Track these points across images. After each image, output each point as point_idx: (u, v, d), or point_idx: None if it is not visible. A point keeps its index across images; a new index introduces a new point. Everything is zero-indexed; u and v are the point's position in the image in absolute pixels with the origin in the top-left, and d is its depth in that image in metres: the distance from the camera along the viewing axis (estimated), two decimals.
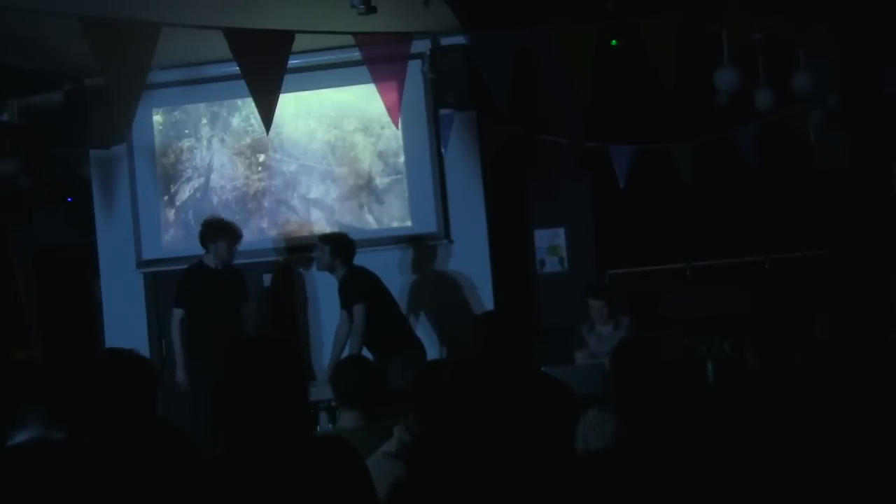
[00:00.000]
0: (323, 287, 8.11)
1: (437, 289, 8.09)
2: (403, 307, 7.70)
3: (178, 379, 7.25)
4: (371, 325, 7.04)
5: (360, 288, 7.15)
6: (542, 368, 5.82)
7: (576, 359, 7.19)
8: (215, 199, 8.39)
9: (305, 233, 8.25)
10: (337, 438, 2.86)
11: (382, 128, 8.09)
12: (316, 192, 8.29)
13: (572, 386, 4.02)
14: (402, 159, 8.16)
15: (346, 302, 7.17)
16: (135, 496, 2.60)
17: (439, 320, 8.04)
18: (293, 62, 6.34)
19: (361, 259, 7.47)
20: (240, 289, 7.50)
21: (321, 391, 6.44)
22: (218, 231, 7.32)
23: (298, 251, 8.23)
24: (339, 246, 7.22)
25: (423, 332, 7.75)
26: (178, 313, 7.34)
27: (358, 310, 7.05)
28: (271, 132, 6.47)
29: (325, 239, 7.34)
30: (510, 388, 2.20)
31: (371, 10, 5.96)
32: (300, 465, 2.61)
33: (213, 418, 6.67)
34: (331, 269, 7.28)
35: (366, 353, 6.88)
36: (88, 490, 2.54)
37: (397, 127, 7.52)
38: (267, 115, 6.02)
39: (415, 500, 2.28)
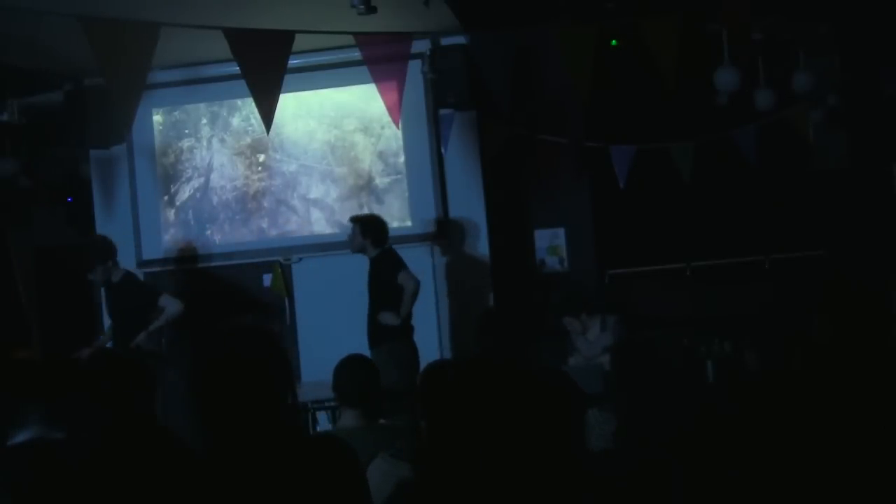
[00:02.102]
0: (316, 288, 8.13)
1: (437, 289, 8.09)
2: None
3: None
4: (371, 310, 7.02)
5: (398, 262, 7.11)
6: None
7: (569, 363, 7.18)
8: (215, 199, 8.39)
9: (305, 233, 8.26)
10: (332, 438, 2.83)
11: (382, 128, 8.10)
12: (316, 192, 8.29)
13: None
14: (402, 159, 8.16)
15: (384, 278, 7.07)
16: (134, 494, 2.59)
17: (439, 320, 8.04)
18: (293, 62, 6.34)
19: (361, 259, 7.47)
20: (127, 300, 7.18)
21: (320, 391, 6.44)
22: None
23: (298, 251, 8.23)
24: (369, 226, 7.14)
25: (424, 331, 7.74)
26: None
27: (404, 276, 6.99)
28: (271, 132, 6.47)
29: (355, 219, 7.26)
30: (514, 389, 2.19)
31: (371, 10, 5.96)
32: (290, 465, 2.58)
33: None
34: (362, 250, 7.17)
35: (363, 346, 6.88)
36: (88, 488, 2.54)
37: (398, 127, 7.52)
38: (267, 115, 6.01)
39: (420, 499, 2.29)
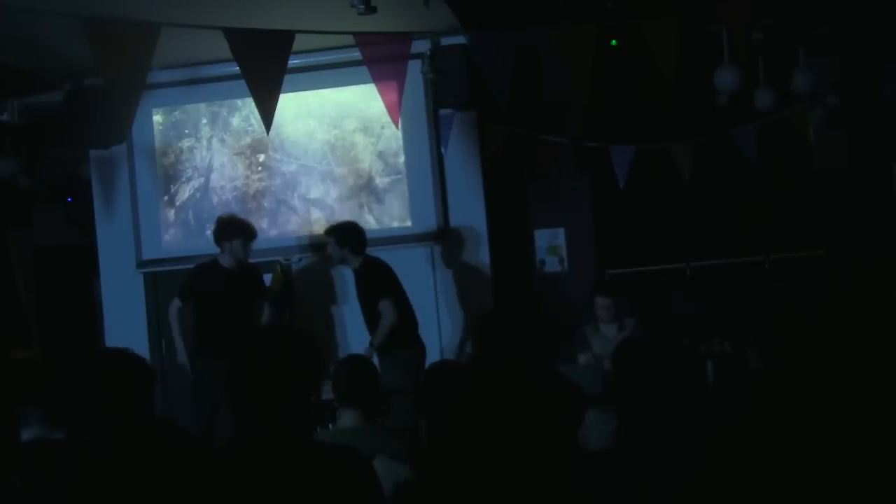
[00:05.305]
0: (316, 288, 8.12)
1: (437, 289, 8.09)
2: None
3: (180, 361, 7.24)
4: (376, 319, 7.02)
5: (382, 281, 7.12)
6: None
7: (579, 360, 7.16)
8: (215, 199, 8.39)
9: (305, 233, 8.25)
10: (347, 448, 2.79)
11: (382, 128, 8.09)
12: (316, 192, 8.29)
13: None
14: (402, 159, 8.16)
15: (370, 296, 7.09)
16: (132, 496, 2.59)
17: (439, 320, 8.04)
18: (293, 62, 6.34)
19: None
20: (253, 287, 7.39)
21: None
22: (233, 229, 7.26)
23: (298, 251, 8.23)
24: (345, 235, 7.16)
25: (424, 332, 7.74)
26: (176, 303, 7.29)
27: (385, 306, 7.00)
28: (271, 132, 6.47)
29: (330, 231, 7.29)
30: (523, 391, 2.19)
31: (371, 10, 5.96)
32: (304, 471, 2.57)
33: (208, 414, 6.69)
34: (343, 262, 7.21)
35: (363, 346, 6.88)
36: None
37: (397, 127, 7.52)
38: (267, 115, 6.01)
39: (423, 501, 2.28)
